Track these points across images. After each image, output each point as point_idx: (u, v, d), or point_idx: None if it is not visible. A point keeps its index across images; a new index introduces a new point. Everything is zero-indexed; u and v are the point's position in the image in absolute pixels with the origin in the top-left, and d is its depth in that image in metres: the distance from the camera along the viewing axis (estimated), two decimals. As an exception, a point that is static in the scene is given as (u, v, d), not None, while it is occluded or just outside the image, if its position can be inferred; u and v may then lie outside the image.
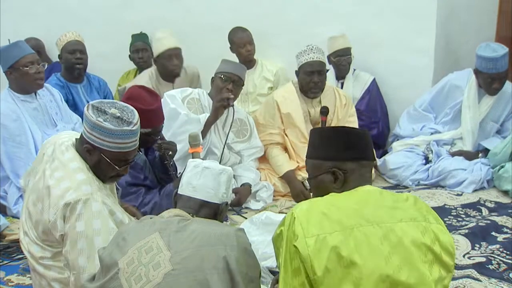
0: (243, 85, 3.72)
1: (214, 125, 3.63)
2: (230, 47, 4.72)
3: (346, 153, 1.81)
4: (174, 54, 4.36)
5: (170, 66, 4.35)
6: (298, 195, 3.62)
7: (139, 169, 3.06)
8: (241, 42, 4.63)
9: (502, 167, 3.71)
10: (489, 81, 3.90)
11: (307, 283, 1.60)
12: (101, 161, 2.19)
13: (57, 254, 2.20)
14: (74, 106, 4.07)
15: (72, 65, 4.09)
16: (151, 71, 4.49)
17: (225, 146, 3.62)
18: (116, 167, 2.20)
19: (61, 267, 2.21)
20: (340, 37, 4.37)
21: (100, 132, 2.13)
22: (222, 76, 3.60)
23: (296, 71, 3.88)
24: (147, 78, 4.36)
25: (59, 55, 4.19)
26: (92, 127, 2.14)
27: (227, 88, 3.56)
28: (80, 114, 3.91)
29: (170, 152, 3.11)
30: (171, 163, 3.13)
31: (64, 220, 2.11)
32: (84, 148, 2.19)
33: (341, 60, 4.36)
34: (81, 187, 2.13)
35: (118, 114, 2.15)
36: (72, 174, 2.16)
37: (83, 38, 4.23)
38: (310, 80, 3.79)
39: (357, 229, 1.62)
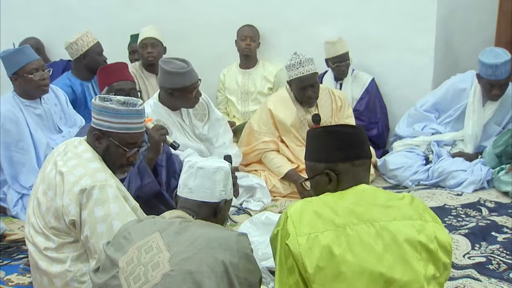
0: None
1: (184, 128, 3.56)
2: (235, 40, 4.78)
3: (337, 154, 1.81)
4: (149, 43, 4.48)
5: (144, 54, 4.48)
6: (303, 191, 3.62)
7: None
8: (243, 35, 4.73)
9: (502, 169, 3.71)
10: (488, 87, 3.90)
11: (301, 281, 1.62)
12: (110, 147, 2.30)
13: (61, 246, 2.26)
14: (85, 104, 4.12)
15: (100, 66, 3.98)
16: (136, 64, 4.60)
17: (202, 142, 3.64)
18: (125, 149, 2.30)
19: (63, 261, 2.25)
20: (337, 42, 4.34)
21: (107, 114, 2.25)
22: (188, 94, 3.42)
23: (287, 82, 3.84)
24: (133, 70, 4.40)
25: (81, 56, 4.12)
26: (100, 111, 2.27)
27: (196, 97, 3.45)
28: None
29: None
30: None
31: (81, 207, 2.17)
32: (94, 136, 2.30)
33: (340, 66, 4.37)
34: (96, 174, 2.22)
35: (123, 100, 2.29)
36: (86, 163, 2.26)
37: None
38: (303, 94, 3.77)
39: (350, 227, 1.64)
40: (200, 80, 3.49)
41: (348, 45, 4.38)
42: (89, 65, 4.14)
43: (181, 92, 3.41)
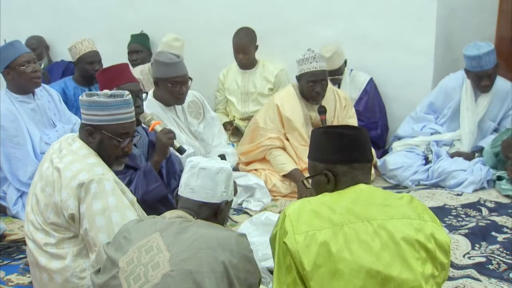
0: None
1: (178, 125, 3.56)
2: None
3: (336, 156, 1.82)
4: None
5: None
6: (302, 192, 3.62)
7: (133, 157, 3.00)
8: (235, 48, 4.69)
9: (500, 177, 3.70)
10: (477, 79, 3.94)
11: (298, 279, 1.64)
12: (104, 140, 2.32)
13: (61, 241, 2.28)
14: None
15: (91, 76, 4.11)
16: (145, 66, 4.59)
17: (197, 140, 3.65)
18: (119, 139, 2.32)
19: (63, 257, 2.26)
20: (333, 56, 4.28)
21: (96, 107, 2.28)
22: (170, 84, 3.42)
23: (296, 77, 3.84)
24: (139, 73, 4.39)
25: (74, 62, 4.23)
26: (88, 106, 2.30)
27: (181, 93, 3.44)
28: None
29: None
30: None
31: (79, 201, 2.20)
32: (86, 131, 2.33)
33: (337, 78, 4.39)
34: (93, 169, 2.24)
35: (110, 93, 2.34)
36: (82, 158, 2.28)
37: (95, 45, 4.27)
38: (312, 89, 3.76)
39: (347, 225, 1.65)
40: (191, 79, 3.50)
41: (344, 54, 4.36)
42: (79, 72, 4.22)
43: (165, 82, 3.42)
